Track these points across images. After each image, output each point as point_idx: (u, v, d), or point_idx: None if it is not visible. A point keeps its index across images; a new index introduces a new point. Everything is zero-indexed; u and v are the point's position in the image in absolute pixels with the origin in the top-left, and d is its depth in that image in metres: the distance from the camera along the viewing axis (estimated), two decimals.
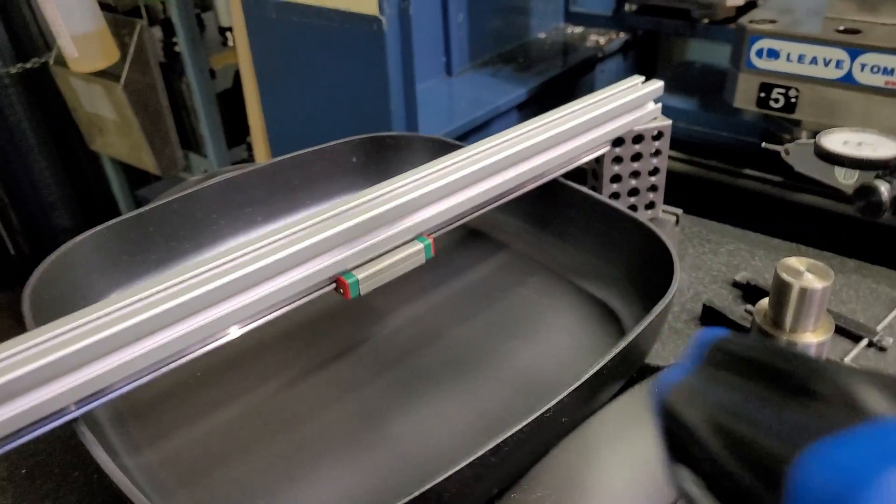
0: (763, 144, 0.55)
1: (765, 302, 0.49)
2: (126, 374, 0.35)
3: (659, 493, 0.34)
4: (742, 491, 0.13)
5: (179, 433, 0.44)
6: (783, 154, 0.50)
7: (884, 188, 0.45)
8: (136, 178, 1.90)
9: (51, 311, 0.44)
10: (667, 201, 0.63)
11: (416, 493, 0.30)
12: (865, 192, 0.45)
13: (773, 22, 0.89)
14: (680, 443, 0.15)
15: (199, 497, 0.39)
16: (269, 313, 0.40)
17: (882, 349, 0.51)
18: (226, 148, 1.59)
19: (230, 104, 1.55)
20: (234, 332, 0.39)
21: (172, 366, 0.36)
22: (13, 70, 1.78)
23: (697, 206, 0.70)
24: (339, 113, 1.14)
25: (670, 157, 1.12)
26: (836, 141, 0.47)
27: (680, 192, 1.11)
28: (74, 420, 0.33)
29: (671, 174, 1.12)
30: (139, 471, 0.40)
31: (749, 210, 1.06)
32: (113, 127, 1.56)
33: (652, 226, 0.48)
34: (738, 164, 1.09)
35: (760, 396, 0.14)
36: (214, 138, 1.54)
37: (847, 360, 0.50)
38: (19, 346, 0.32)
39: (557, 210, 0.57)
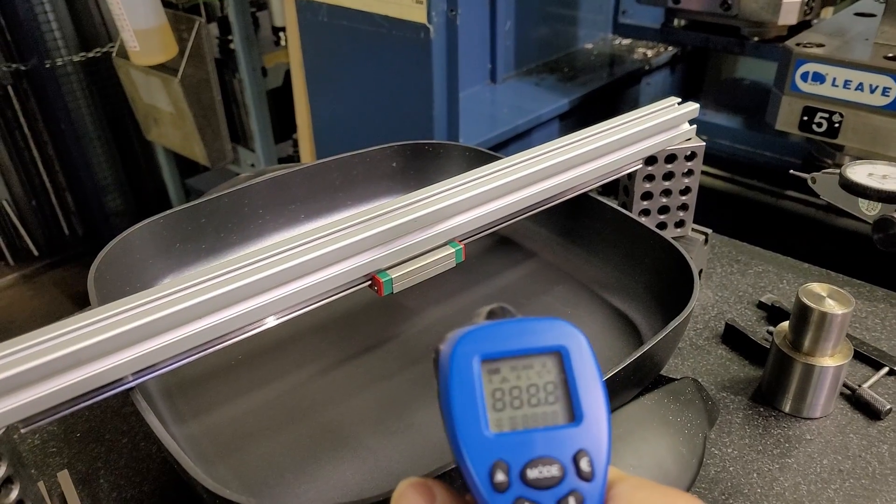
0: (790, 172, 0.56)
1: (785, 325, 0.50)
2: (177, 352, 0.38)
3: None
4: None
5: (220, 409, 0.47)
6: (810, 182, 0.51)
7: None
8: (186, 168, 1.98)
9: (111, 290, 0.49)
10: (706, 219, 0.64)
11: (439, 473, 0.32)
12: (884, 224, 0.46)
13: (820, 46, 0.89)
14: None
15: (235, 467, 0.43)
16: (309, 305, 0.43)
17: None
18: (273, 143, 1.65)
19: (279, 102, 1.60)
20: (273, 322, 0.42)
21: (217, 347, 0.40)
22: (76, 58, 1.87)
23: (738, 226, 0.70)
24: (382, 116, 1.18)
25: (712, 175, 1.13)
26: (861, 173, 0.48)
27: (720, 211, 1.11)
28: (130, 389, 0.37)
29: (712, 192, 1.12)
30: (184, 440, 0.44)
31: (790, 232, 1.06)
32: (168, 118, 1.63)
33: (675, 242, 0.50)
34: (781, 186, 1.08)
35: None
36: (263, 133, 1.60)
37: (866, 386, 0.50)
38: (86, 321, 0.36)
39: (587, 223, 0.59)
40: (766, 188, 1.11)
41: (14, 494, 0.34)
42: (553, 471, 0.21)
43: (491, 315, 0.24)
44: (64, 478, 0.44)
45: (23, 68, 1.86)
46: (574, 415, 0.22)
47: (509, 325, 0.23)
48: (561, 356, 0.22)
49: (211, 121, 1.58)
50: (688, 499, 0.22)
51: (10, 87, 1.88)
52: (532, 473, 0.21)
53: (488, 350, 0.22)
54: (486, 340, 0.22)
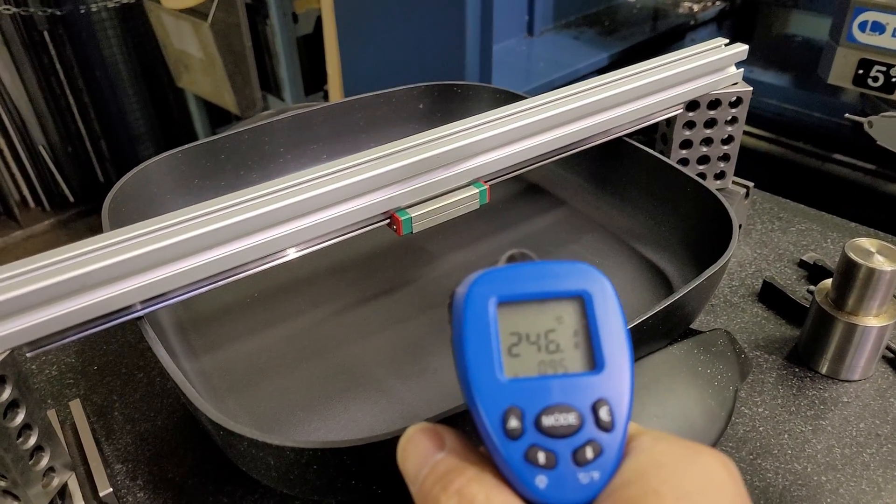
0: (846, 115, 0.52)
1: (828, 282, 0.47)
2: (187, 282, 0.37)
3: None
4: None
5: (233, 346, 0.46)
6: (866, 126, 0.47)
7: None
8: (217, 117, 1.97)
9: (126, 222, 0.48)
10: (749, 181, 0.60)
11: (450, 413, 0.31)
12: None
13: None
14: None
15: (245, 403, 0.42)
16: (326, 241, 0.41)
17: None
18: (303, 93, 1.63)
19: (311, 50, 1.57)
20: (291, 254, 0.40)
21: (229, 279, 0.39)
22: (110, 4, 1.86)
23: (782, 189, 0.66)
24: (414, 65, 1.14)
25: (756, 136, 1.07)
26: None
27: (764, 173, 1.05)
28: (140, 318, 0.36)
29: (756, 153, 1.06)
30: (195, 374, 0.43)
31: (837, 197, 1.01)
32: (198, 65, 1.62)
33: (715, 191, 0.46)
34: (828, 149, 1.02)
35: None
36: (293, 81, 1.58)
37: None
38: (94, 245, 0.35)
39: (620, 170, 0.56)
40: (813, 151, 1.05)
41: (20, 418, 0.34)
42: (570, 419, 0.20)
43: (510, 260, 0.23)
44: (76, 407, 0.44)
45: (58, 13, 1.85)
46: (595, 363, 0.21)
47: (529, 268, 0.22)
48: (583, 301, 0.21)
49: (241, 67, 1.56)
50: (711, 453, 0.21)
51: (46, 33, 1.89)
52: (547, 421, 0.20)
53: (506, 292, 0.21)
54: (504, 282, 0.21)
